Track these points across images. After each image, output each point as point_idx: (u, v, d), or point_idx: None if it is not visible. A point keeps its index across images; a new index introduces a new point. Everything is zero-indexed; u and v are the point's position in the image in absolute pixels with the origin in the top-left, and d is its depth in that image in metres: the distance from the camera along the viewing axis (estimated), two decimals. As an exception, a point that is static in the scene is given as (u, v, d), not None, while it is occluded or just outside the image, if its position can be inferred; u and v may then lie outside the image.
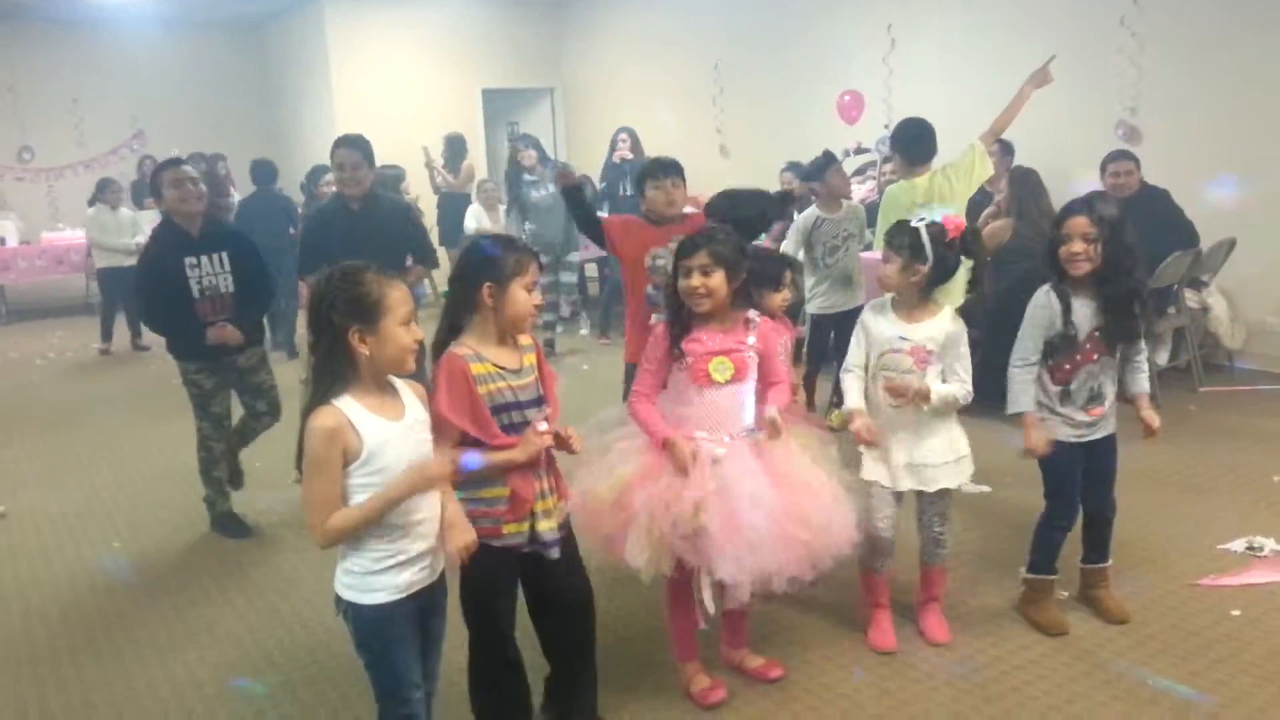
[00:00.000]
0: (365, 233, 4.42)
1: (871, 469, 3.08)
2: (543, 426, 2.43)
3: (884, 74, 8.25)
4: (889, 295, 3.09)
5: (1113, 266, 2.98)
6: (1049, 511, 3.25)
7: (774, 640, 3.21)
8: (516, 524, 2.45)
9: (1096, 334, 3.05)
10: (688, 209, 4.14)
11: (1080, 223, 2.98)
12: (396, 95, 11.12)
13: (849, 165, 8.20)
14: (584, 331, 8.70)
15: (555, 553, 2.52)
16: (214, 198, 9.90)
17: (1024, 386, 3.12)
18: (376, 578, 2.13)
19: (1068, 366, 3.09)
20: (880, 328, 3.04)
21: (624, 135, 8.95)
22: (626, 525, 2.61)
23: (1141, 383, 3.20)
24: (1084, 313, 3.04)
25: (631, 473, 2.67)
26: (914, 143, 5.02)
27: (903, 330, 3.00)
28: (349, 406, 2.07)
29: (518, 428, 2.44)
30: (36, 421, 6.53)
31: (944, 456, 3.05)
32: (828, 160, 5.61)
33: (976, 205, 6.47)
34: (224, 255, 4.21)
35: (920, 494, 3.10)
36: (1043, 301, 3.10)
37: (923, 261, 2.92)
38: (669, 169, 3.94)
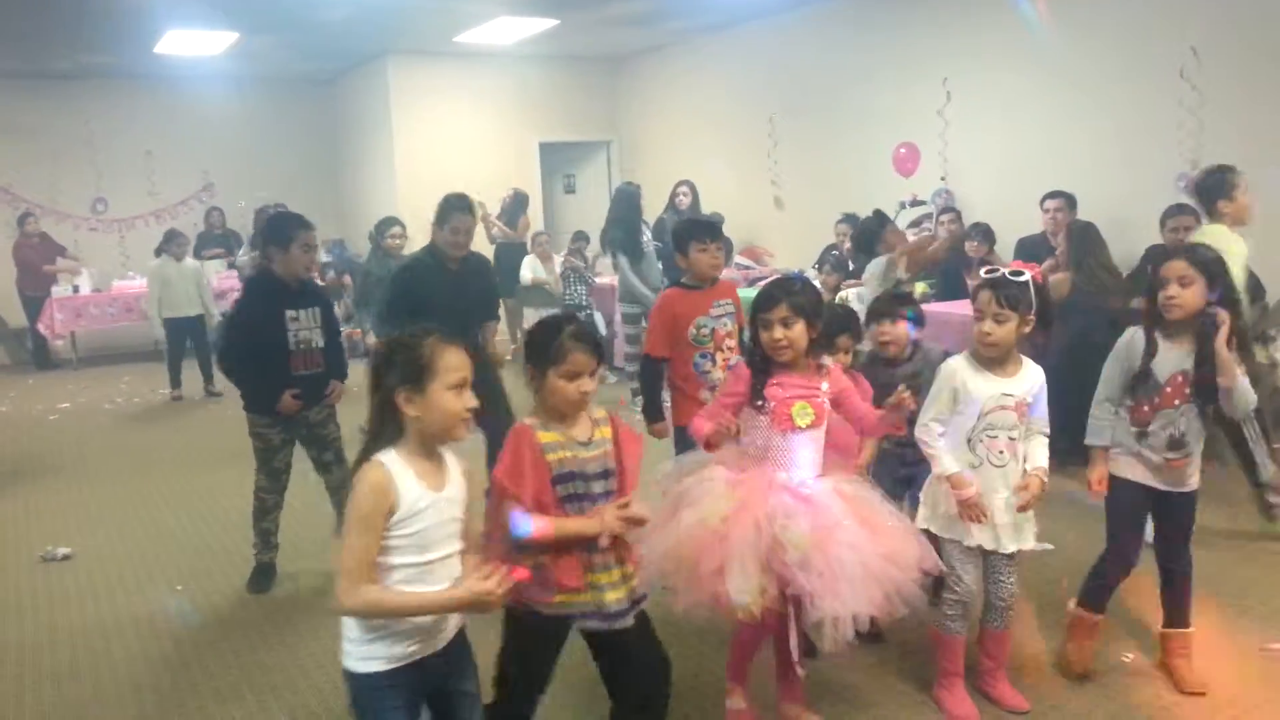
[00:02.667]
0: (458, 289, 4.62)
1: (977, 533, 2.96)
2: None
3: (940, 126, 8.26)
4: (964, 351, 3.02)
5: (1210, 317, 2.96)
6: (1106, 552, 3.23)
7: (833, 704, 3.14)
8: (567, 594, 2.42)
9: (1180, 378, 3.02)
10: (741, 260, 4.16)
11: (1177, 266, 2.98)
12: (456, 149, 11.36)
13: (905, 218, 8.22)
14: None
15: (626, 621, 2.48)
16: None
17: (1099, 422, 3.14)
18: (369, 646, 2.11)
19: (1146, 408, 3.07)
20: (981, 386, 2.93)
21: (684, 188, 9.06)
22: (726, 559, 2.58)
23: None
24: (1170, 355, 3.03)
25: (729, 506, 2.66)
26: (1215, 188, 4.72)
27: (1004, 386, 2.93)
28: (394, 464, 2.09)
29: (580, 499, 2.45)
30: (104, 465, 6.69)
31: (1023, 514, 2.97)
32: (880, 221, 5.60)
33: (1035, 259, 6.44)
34: (317, 311, 4.31)
35: (999, 555, 3.01)
36: (1127, 339, 3.13)
37: (1031, 312, 2.89)
38: (716, 233, 3.95)
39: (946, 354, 3.38)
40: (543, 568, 2.38)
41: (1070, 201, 6.64)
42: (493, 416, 4.50)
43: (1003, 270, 2.94)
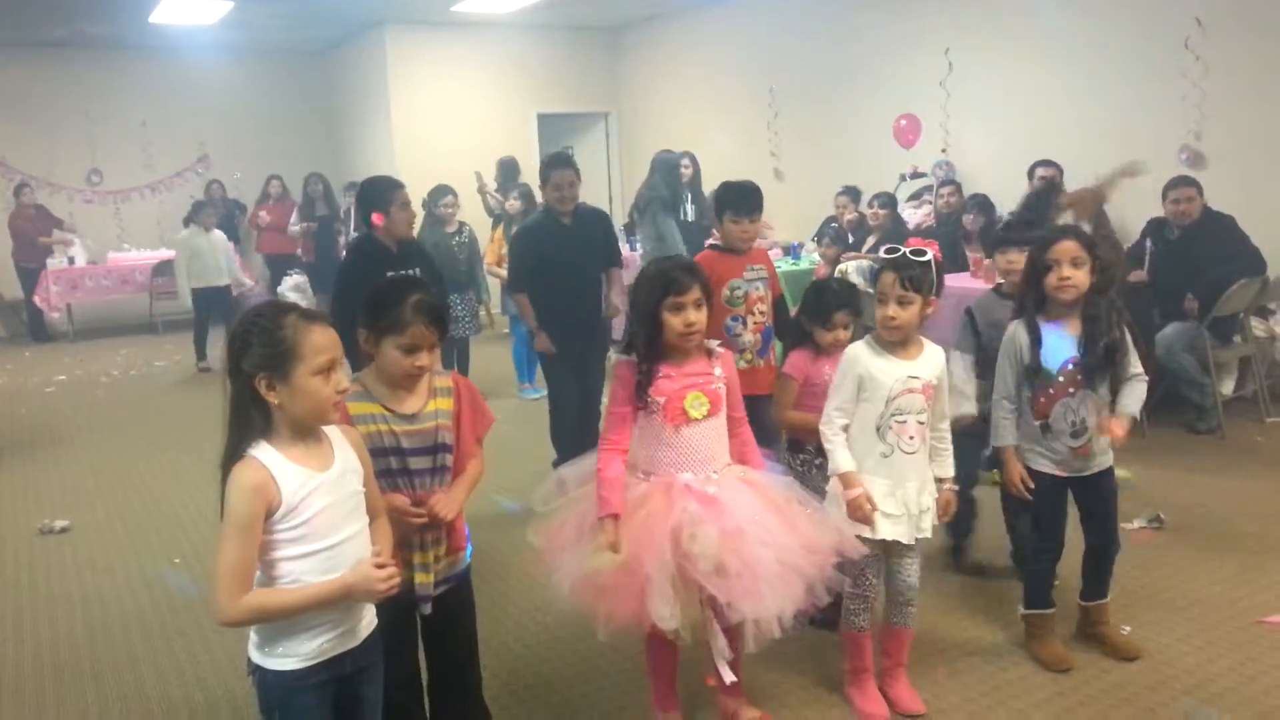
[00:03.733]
0: (576, 242, 4.84)
1: (888, 528, 2.80)
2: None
3: (941, 98, 8.20)
4: (864, 337, 2.92)
5: (1093, 292, 2.93)
6: (1035, 545, 3.21)
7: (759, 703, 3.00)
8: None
9: (1071, 365, 2.98)
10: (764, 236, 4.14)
11: (1069, 247, 2.92)
12: (453, 119, 11.29)
13: (905, 190, 8.17)
14: None
15: (426, 608, 2.46)
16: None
17: (1003, 422, 3.08)
18: (279, 642, 1.96)
19: (1043, 399, 3.02)
20: (886, 370, 2.80)
21: (686, 160, 8.98)
22: (644, 588, 2.43)
23: (1128, 405, 3.03)
24: (1059, 344, 2.98)
25: (631, 544, 2.49)
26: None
27: (909, 369, 2.81)
28: (269, 456, 1.91)
29: (395, 475, 2.38)
30: (101, 438, 6.68)
31: (930, 503, 2.88)
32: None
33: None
34: (416, 271, 4.36)
35: (902, 546, 2.87)
36: (1011, 333, 3.06)
37: (935, 293, 2.81)
38: (755, 204, 3.86)
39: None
40: None
41: (1060, 170, 6.59)
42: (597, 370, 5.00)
43: (904, 250, 2.81)
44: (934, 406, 2.85)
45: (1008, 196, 7.08)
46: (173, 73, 11.94)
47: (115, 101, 11.92)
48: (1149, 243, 5.87)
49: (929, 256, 2.78)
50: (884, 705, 2.93)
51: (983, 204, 6.86)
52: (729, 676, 2.65)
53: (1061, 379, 2.99)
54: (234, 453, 1.92)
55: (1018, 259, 3.40)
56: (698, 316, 2.61)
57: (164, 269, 11.02)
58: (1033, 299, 3.03)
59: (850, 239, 7.53)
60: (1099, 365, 2.97)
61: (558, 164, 4.88)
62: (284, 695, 1.98)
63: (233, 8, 9.51)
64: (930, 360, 2.85)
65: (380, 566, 1.97)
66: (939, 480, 2.88)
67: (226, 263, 8.99)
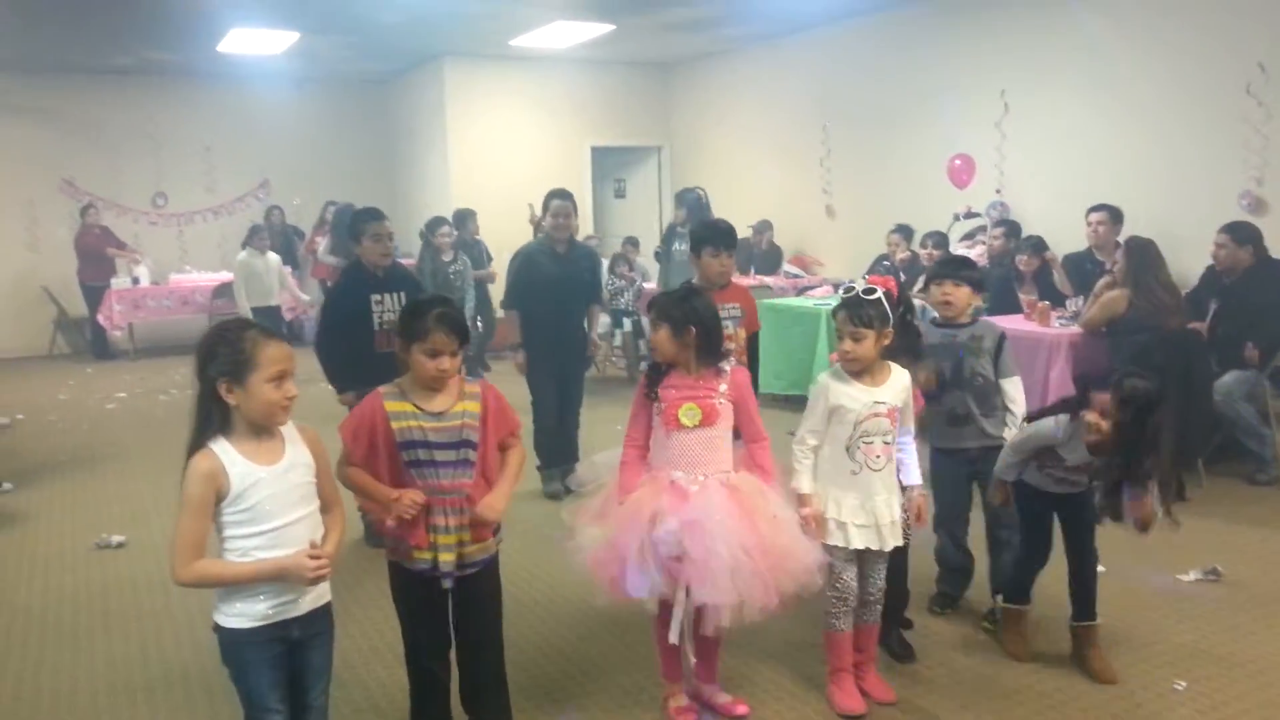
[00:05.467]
0: (566, 273, 5.45)
1: (859, 538, 3.08)
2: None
3: (996, 139, 8.17)
4: (835, 367, 3.17)
5: (1125, 449, 3.01)
6: (1022, 551, 3.52)
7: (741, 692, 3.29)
8: (420, 551, 2.70)
9: (1084, 466, 3.21)
10: (790, 269, 4.33)
11: (1103, 399, 3.06)
12: (508, 151, 11.44)
13: (959, 229, 8.15)
14: None
15: (447, 583, 2.74)
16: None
17: (1009, 468, 3.39)
18: (232, 604, 2.31)
19: (1052, 469, 3.32)
20: (853, 396, 3.07)
21: (700, 192, 9.40)
22: (623, 563, 2.83)
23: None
24: (1080, 451, 3.17)
25: (615, 521, 2.91)
26: None
27: (875, 394, 3.07)
28: (223, 450, 2.25)
29: (423, 465, 2.68)
30: (158, 456, 6.79)
31: (897, 514, 3.13)
32: None
33: (1090, 275, 6.36)
34: (401, 295, 4.66)
35: (873, 553, 3.14)
36: (1048, 426, 3.26)
37: (888, 325, 3.06)
38: (728, 241, 4.16)
39: (1003, 333, 3.74)
40: (397, 531, 2.68)
41: (1114, 214, 6.54)
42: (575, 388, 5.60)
43: (856, 289, 3.10)
44: (901, 422, 3.13)
45: (1063, 239, 7.05)
46: (237, 100, 12.25)
47: (181, 127, 12.25)
48: (1212, 302, 5.80)
49: (879, 294, 3.06)
50: (862, 701, 3.18)
51: (1036, 245, 6.82)
52: (672, 637, 2.95)
53: (1075, 469, 3.26)
54: (195, 444, 2.26)
55: (952, 291, 3.78)
56: (653, 337, 3.05)
57: (224, 291, 11.25)
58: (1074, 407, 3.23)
59: (902, 277, 7.50)
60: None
61: (558, 196, 5.46)
62: (237, 649, 2.34)
63: (299, 39, 9.75)
64: (895, 385, 3.12)
65: (315, 557, 2.29)
66: (907, 488, 3.16)
67: (279, 284, 9.55)
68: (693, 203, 9.24)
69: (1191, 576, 4.14)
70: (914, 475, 3.19)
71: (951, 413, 3.71)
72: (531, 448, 5.23)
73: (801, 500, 3.07)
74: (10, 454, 6.85)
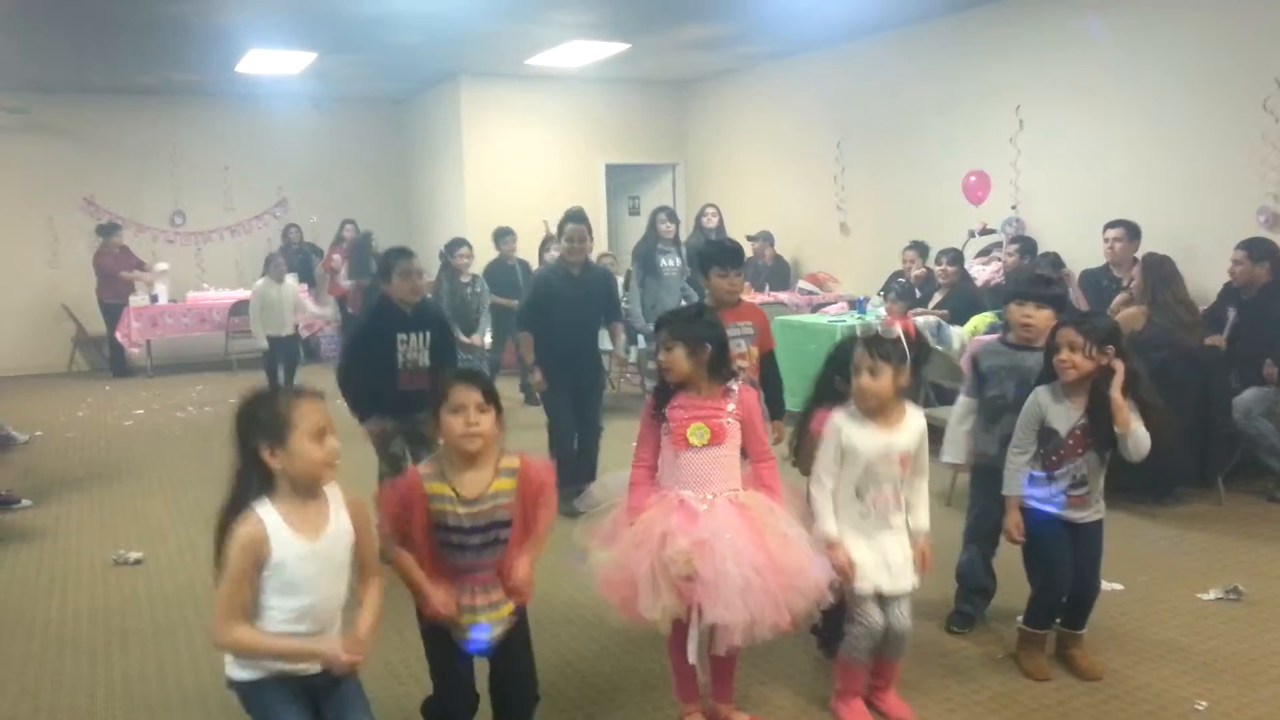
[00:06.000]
0: (581, 294, 5.51)
1: (873, 577, 3.07)
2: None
3: (1011, 155, 8.17)
4: (851, 406, 3.13)
5: (1105, 375, 3.22)
6: (1039, 583, 3.51)
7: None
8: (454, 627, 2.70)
9: (1079, 431, 3.30)
10: (805, 286, 4.34)
11: (1067, 334, 3.25)
12: (523, 169, 11.50)
13: (973, 246, 8.13)
14: None
15: (474, 649, 2.73)
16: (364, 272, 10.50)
17: (1015, 475, 3.40)
18: (253, 665, 2.30)
19: (1054, 459, 3.35)
20: (865, 440, 3.06)
21: (711, 209, 9.60)
22: (636, 584, 2.83)
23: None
24: (1069, 412, 3.31)
25: (626, 541, 2.90)
26: None
27: (889, 438, 3.07)
28: (268, 513, 2.22)
29: (454, 549, 2.67)
30: (175, 472, 6.84)
31: (909, 555, 3.13)
32: None
33: (1106, 291, 6.34)
34: (427, 334, 4.69)
35: (887, 597, 3.12)
36: (1032, 400, 3.39)
37: (905, 364, 3.04)
38: (735, 259, 4.18)
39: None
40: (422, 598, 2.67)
41: (1131, 231, 6.52)
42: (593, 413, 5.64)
43: (876, 329, 3.13)
44: (913, 466, 3.12)
45: (1079, 255, 7.03)
46: (255, 119, 12.37)
47: (199, 146, 12.36)
48: (1231, 310, 5.77)
49: (898, 333, 3.06)
50: (867, 716, 3.19)
51: (1054, 262, 6.80)
52: (693, 659, 2.94)
53: (1071, 441, 3.32)
54: (234, 507, 2.24)
55: (1035, 314, 3.65)
56: (665, 357, 3.02)
57: (240, 308, 11.30)
58: (1050, 373, 3.36)
59: (918, 294, 7.50)
60: (1105, 432, 3.28)
61: (573, 219, 5.50)
62: (256, 695, 2.32)
63: (316, 59, 9.83)
64: (910, 428, 3.11)
65: (351, 649, 2.31)
66: (914, 533, 3.13)
67: (291, 315, 9.18)
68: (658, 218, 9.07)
69: (1212, 595, 4.11)
70: (923, 520, 3.16)
71: (1006, 436, 3.53)
72: None
73: (830, 545, 3.04)
74: (29, 470, 6.90)
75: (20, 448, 7.67)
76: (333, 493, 2.33)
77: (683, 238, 10.05)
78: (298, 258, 11.65)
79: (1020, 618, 3.59)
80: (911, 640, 3.29)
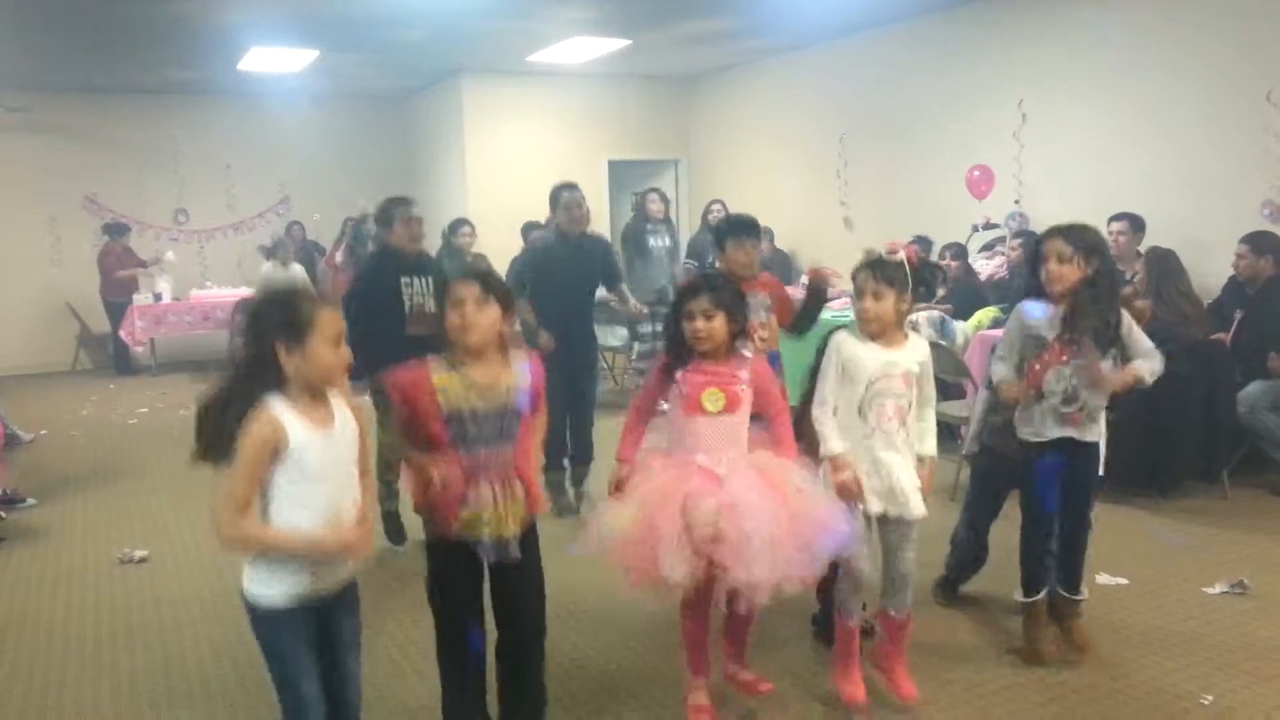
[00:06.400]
0: (578, 262, 5.42)
1: (873, 503, 3.08)
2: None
3: (1015, 149, 8.15)
4: (851, 328, 3.18)
5: (1088, 284, 3.26)
6: (1024, 527, 3.48)
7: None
8: (463, 524, 2.69)
9: (1066, 337, 3.27)
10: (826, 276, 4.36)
11: (1055, 245, 3.28)
12: (526, 165, 11.47)
13: (977, 240, 8.12)
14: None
15: (488, 556, 2.73)
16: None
17: (1004, 369, 3.41)
18: (270, 576, 2.30)
19: (1038, 366, 3.31)
20: (866, 356, 3.07)
21: (718, 205, 9.61)
22: (656, 545, 2.78)
23: (1138, 367, 3.30)
24: (1054, 319, 3.29)
25: (645, 503, 2.86)
26: None
27: (889, 356, 3.08)
28: (280, 408, 2.23)
29: (468, 440, 2.68)
30: (179, 470, 6.80)
31: (916, 481, 3.12)
32: None
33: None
34: (428, 279, 4.78)
35: (893, 525, 3.13)
36: (1014, 311, 3.43)
37: (908, 290, 3.07)
38: (750, 230, 4.18)
39: None
40: (432, 500, 2.68)
41: (1135, 224, 6.49)
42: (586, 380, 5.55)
43: (879, 253, 3.12)
44: (920, 392, 3.12)
45: (1083, 249, 7.00)
46: (257, 117, 12.37)
47: (202, 144, 12.37)
48: (1236, 313, 5.77)
49: (902, 257, 3.07)
50: (862, 688, 3.17)
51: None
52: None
53: (1056, 346, 3.29)
54: (233, 399, 2.23)
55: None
56: (704, 325, 2.96)
57: (245, 306, 11.33)
58: (1032, 283, 3.40)
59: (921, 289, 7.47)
60: (1089, 334, 3.26)
61: (568, 188, 5.46)
62: (273, 627, 2.33)
63: (318, 56, 9.83)
64: (912, 350, 3.12)
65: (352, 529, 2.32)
66: (921, 458, 3.14)
67: None
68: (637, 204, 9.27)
69: (1218, 589, 4.10)
70: (929, 446, 3.17)
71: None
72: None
73: (835, 464, 3.06)
74: (34, 469, 6.91)
75: (25, 446, 7.67)
76: (333, 395, 2.37)
77: (686, 231, 10.09)
78: (301, 255, 11.64)
79: (1016, 591, 3.57)
80: (915, 636, 3.30)
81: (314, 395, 2.31)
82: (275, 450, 2.22)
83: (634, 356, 9.13)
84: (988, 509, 3.86)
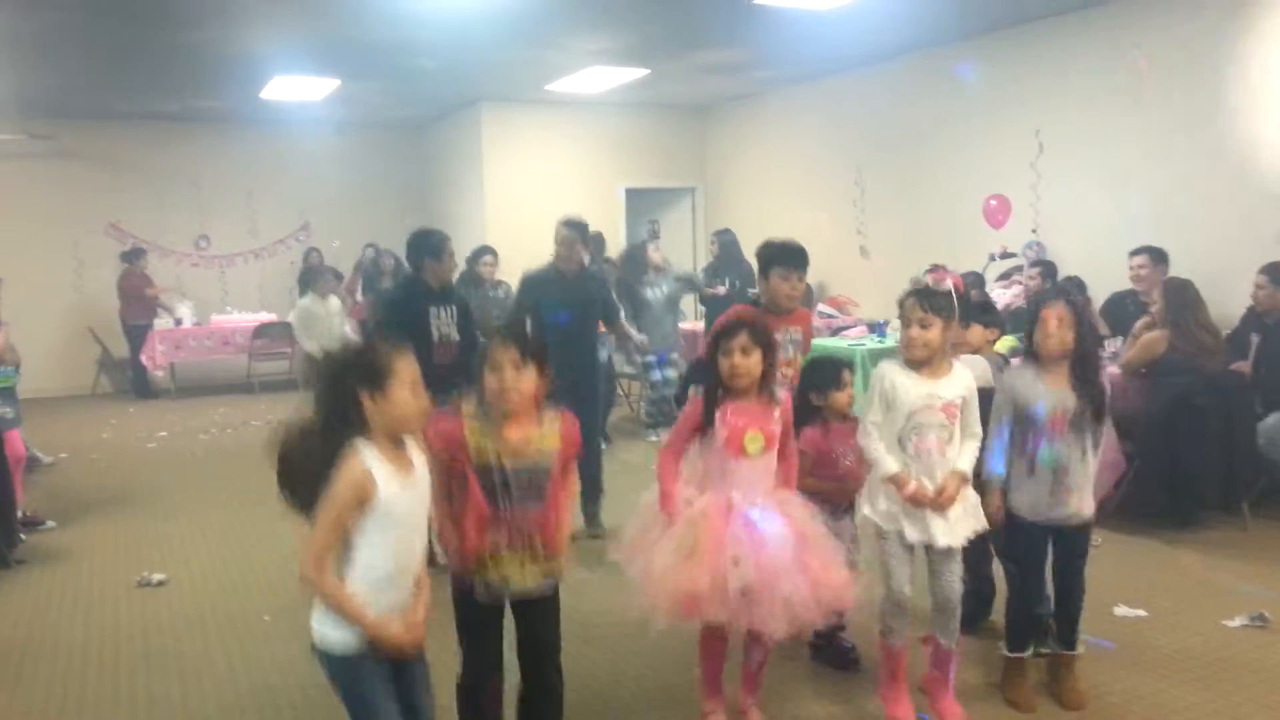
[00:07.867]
0: (573, 296, 5.42)
1: (912, 533, 3.11)
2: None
3: (1032, 178, 8.16)
4: (898, 357, 3.19)
5: (1082, 355, 3.22)
6: (1012, 594, 3.44)
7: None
8: (479, 569, 2.71)
9: (1060, 413, 3.20)
10: (825, 309, 4.34)
11: (1056, 308, 3.22)
12: (543, 193, 11.52)
13: (994, 270, 8.12)
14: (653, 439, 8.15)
15: (503, 600, 2.76)
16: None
17: (993, 454, 3.29)
18: (344, 629, 2.29)
19: (1030, 440, 3.24)
20: (909, 387, 3.09)
21: (729, 234, 9.58)
22: (696, 589, 2.84)
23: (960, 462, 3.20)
24: (1050, 392, 3.21)
25: (697, 552, 2.89)
26: None
27: (932, 388, 3.09)
28: (369, 454, 2.26)
29: (498, 494, 2.69)
30: (199, 493, 6.89)
31: (962, 507, 3.13)
32: None
33: (1131, 316, 6.31)
34: (454, 309, 4.96)
35: (931, 551, 3.14)
36: (1008, 377, 3.36)
37: (954, 319, 3.09)
38: (800, 261, 4.04)
39: None
40: (458, 544, 2.70)
41: (1157, 256, 6.48)
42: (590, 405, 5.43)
43: (927, 281, 3.21)
44: (964, 422, 3.13)
45: (1100, 278, 7.01)
46: (278, 145, 12.51)
47: (224, 171, 12.50)
48: (1254, 336, 5.75)
49: (949, 286, 3.12)
50: (908, 707, 3.19)
51: (1077, 286, 6.79)
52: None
53: (1051, 424, 3.23)
54: (316, 446, 2.25)
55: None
56: (742, 361, 2.98)
57: (264, 331, 11.47)
58: (1030, 350, 3.31)
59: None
60: (1087, 412, 3.21)
61: (566, 226, 5.50)
62: (352, 671, 2.31)
63: (339, 86, 9.95)
64: (955, 380, 3.13)
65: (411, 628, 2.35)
66: (953, 472, 3.10)
67: (342, 329, 9.41)
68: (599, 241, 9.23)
69: (1237, 622, 4.06)
70: (966, 462, 3.13)
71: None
72: None
73: (897, 481, 3.09)
74: (54, 492, 6.96)
75: (46, 469, 7.74)
76: (409, 441, 2.40)
77: (703, 260, 10.06)
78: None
79: (1001, 644, 3.50)
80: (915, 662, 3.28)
81: (395, 442, 2.33)
82: (364, 499, 2.24)
83: (644, 410, 8.73)
84: (975, 549, 3.81)
